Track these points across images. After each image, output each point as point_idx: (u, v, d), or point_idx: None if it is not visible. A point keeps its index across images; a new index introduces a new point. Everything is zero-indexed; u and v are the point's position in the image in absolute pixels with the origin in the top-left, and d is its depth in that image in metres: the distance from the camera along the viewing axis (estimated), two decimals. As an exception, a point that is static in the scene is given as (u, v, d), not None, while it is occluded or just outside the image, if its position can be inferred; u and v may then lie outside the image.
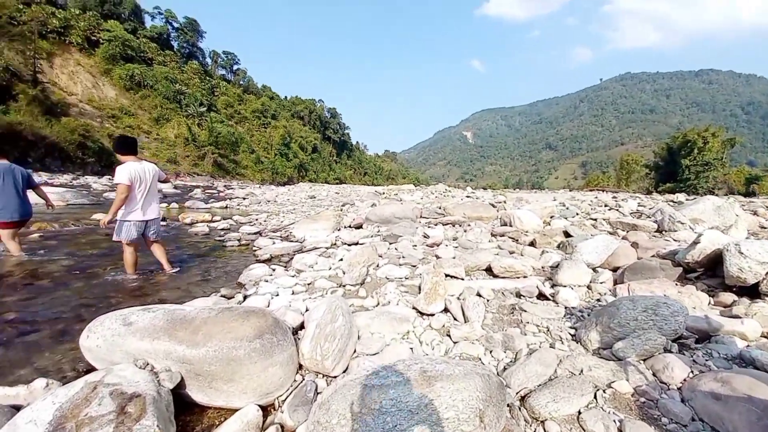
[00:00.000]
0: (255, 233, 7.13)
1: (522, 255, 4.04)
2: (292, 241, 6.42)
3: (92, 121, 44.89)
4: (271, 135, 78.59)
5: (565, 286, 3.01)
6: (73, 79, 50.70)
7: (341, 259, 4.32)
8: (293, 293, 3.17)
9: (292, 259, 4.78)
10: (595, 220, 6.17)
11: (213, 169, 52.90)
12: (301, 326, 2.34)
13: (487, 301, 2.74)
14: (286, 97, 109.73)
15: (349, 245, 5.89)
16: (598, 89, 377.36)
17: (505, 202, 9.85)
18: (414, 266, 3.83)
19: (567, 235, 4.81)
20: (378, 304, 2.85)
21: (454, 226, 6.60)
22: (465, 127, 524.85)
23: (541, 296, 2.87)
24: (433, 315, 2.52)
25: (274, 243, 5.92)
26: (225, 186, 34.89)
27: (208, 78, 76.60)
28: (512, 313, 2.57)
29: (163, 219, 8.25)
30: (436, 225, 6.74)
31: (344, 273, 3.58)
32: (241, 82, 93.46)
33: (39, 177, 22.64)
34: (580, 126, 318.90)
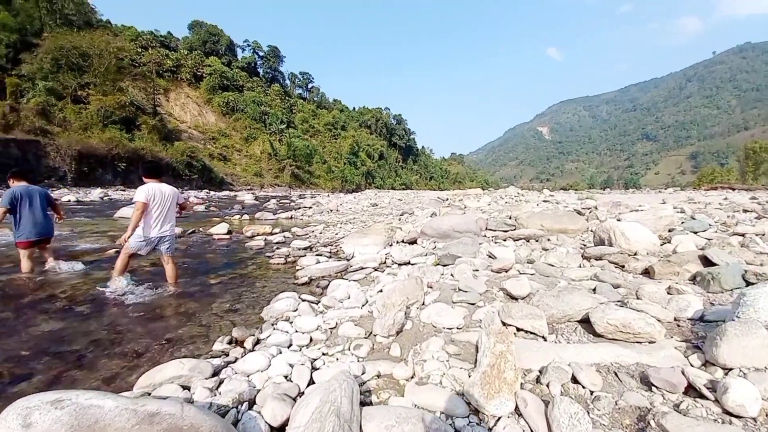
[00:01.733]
0: (305, 248, 6.72)
1: (638, 297, 2.70)
2: (339, 259, 5.80)
3: (197, 143, 51.69)
4: (340, 145, 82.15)
5: (730, 370, 1.72)
6: (184, 109, 59.47)
7: (381, 290, 3.48)
8: (306, 346, 2.43)
9: (330, 284, 4.11)
10: (744, 236, 4.29)
11: (291, 180, 56.95)
12: (286, 424, 1.55)
13: (592, 398, 1.62)
14: (354, 108, 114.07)
15: (400, 265, 5.04)
16: (710, 65, 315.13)
17: (596, 208, 7.98)
18: (472, 304, 2.81)
19: (707, 262, 3.25)
20: (413, 375, 1.93)
21: (528, 241, 5.29)
22: (540, 122, 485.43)
23: (691, 389, 1.64)
24: (496, 418, 1.52)
25: (318, 262, 5.35)
26: (299, 195, 36.95)
27: (287, 98, 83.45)
28: (641, 429, 1.43)
29: (229, 232, 8.43)
30: (505, 240, 5.50)
31: (378, 314, 2.73)
32: (315, 99, 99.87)
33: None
34: (687, 110, 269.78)
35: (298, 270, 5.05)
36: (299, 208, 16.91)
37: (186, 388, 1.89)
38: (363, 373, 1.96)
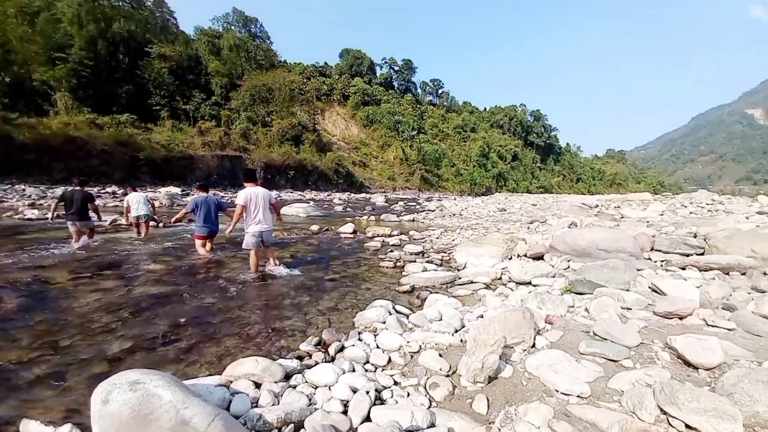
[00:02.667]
0: (416, 253, 6.52)
1: None
2: (449, 269, 5.35)
3: (343, 153, 59.16)
4: (470, 148, 79.62)
5: None
6: (334, 125, 69.29)
7: (482, 316, 2.90)
8: (382, 368, 2.16)
9: (428, 297, 3.74)
10: None
11: (420, 183, 58.62)
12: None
13: None
14: (485, 108, 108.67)
15: (517, 284, 4.23)
16: None
17: None
18: (612, 362, 1.96)
19: None
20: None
21: (727, 275, 3.60)
22: (750, 102, 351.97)
23: None
24: None
25: (424, 270, 5.04)
26: (426, 198, 37.53)
27: (418, 106, 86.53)
28: None
29: (354, 231, 9.08)
30: (683, 269, 3.92)
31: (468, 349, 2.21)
32: (445, 104, 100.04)
33: (306, 193, 31.82)
34: None
35: (403, 276, 4.87)
36: (422, 211, 17.02)
37: (258, 385, 1.90)
38: (429, 427, 1.54)
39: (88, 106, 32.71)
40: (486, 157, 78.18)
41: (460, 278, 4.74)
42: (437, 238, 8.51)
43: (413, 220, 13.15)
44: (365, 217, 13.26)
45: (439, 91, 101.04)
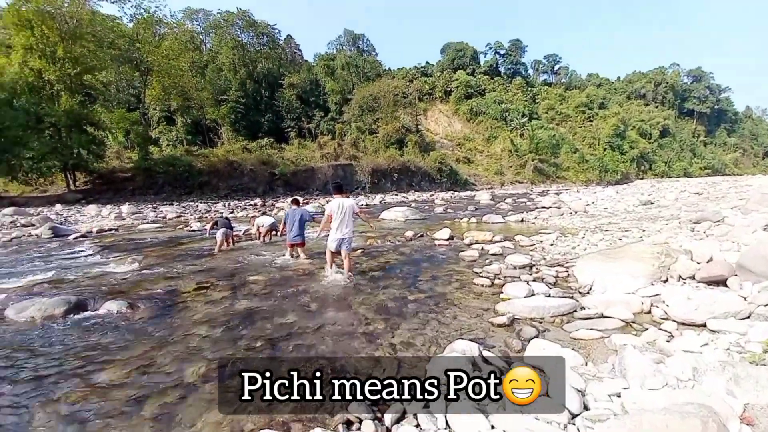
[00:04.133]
0: (522, 267, 5.35)
1: None
2: (565, 292, 4.13)
3: (447, 150, 57.74)
4: (598, 128, 66.85)
5: None
6: (437, 123, 68.34)
7: (617, 395, 1.86)
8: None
9: (531, 342, 2.79)
10: None
11: (533, 175, 52.36)
12: None
13: None
14: (618, 78, 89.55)
15: (678, 324, 2.86)
16: None
17: None
18: None
19: None
20: None
21: None
22: None
23: None
24: None
25: (530, 293, 3.97)
26: (541, 192, 33.08)
27: (530, 88, 77.47)
28: None
29: (450, 237, 8.30)
30: None
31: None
32: (563, 80, 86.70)
33: (409, 195, 31.99)
34: None
35: (501, 299, 3.94)
36: (534, 209, 14.76)
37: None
38: None
39: (241, 135, 40.69)
40: (621, 137, 64.57)
41: (582, 308, 3.54)
42: (551, 244, 6.98)
43: (521, 221, 11.42)
44: (465, 220, 12.19)
45: (556, 68, 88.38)
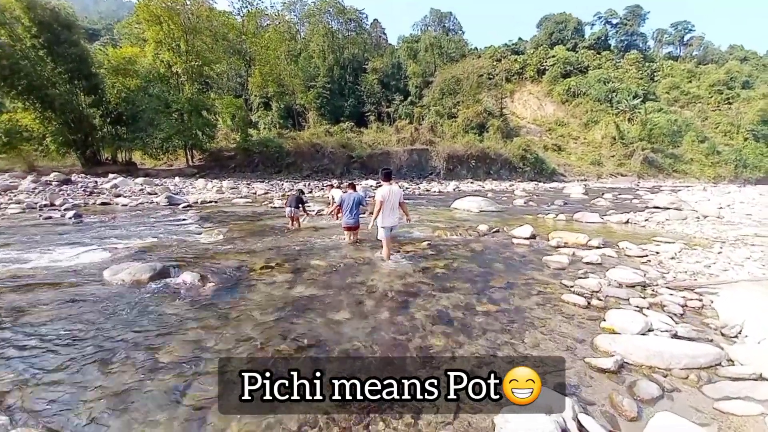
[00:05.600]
0: (631, 285, 4.17)
1: None
2: (700, 332, 2.99)
3: (533, 136, 52.16)
4: (738, 112, 52.52)
5: None
6: (525, 106, 61.85)
7: None
8: None
9: (667, 398, 1.93)
10: None
11: (641, 167, 44.06)
12: None
13: None
14: (776, 49, 68.31)
15: None
16: None
17: None
18: None
19: None
20: None
21: None
22: None
23: None
24: None
25: (647, 328, 2.94)
26: (651, 188, 27.55)
27: (647, 64, 64.30)
28: None
29: (532, 236, 7.16)
30: None
31: None
32: (695, 53, 69.73)
33: (486, 184, 29.69)
34: None
35: (602, 328, 3.01)
36: (644, 209, 12.11)
37: None
38: None
39: (326, 119, 42.75)
40: (773, 124, 49.93)
41: (730, 362, 2.45)
42: (672, 258, 5.41)
43: (627, 223, 9.40)
44: (551, 216, 10.55)
45: (686, 38, 71.70)
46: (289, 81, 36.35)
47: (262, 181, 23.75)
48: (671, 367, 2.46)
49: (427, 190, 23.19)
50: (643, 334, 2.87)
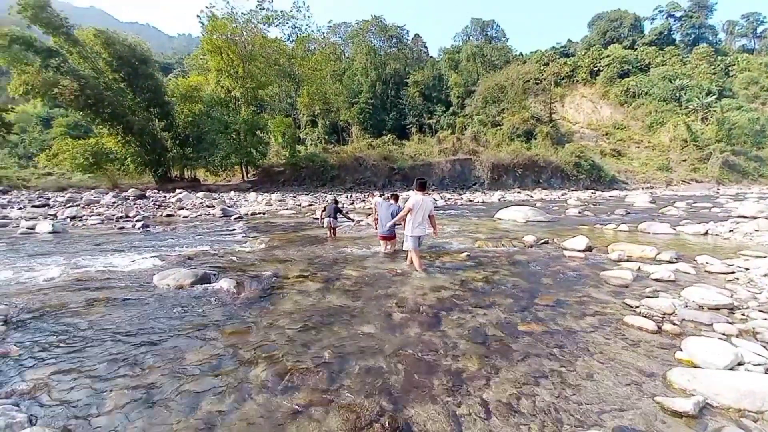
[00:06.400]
0: (715, 308, 3.45)
1: None
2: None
3: (588, 142, 48.35)
4: None
5: None
6: (577, 110, 57.82)
7: None
8: None
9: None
10: None
11: (720, 172, 38.53)
12: None
13: None
14: None
15: None
16: None
17: None
18: None
19: None
20: None
21: None
22: None
23: None
24: None
25: (737, 361, 2.34)
26: (734, 195, 23.83)
27: (720, 58, 56.88)
28: None
29: (588, 248, 6.42)
30: None
31: None
32: (775, 44, 60.39)
33: (535, 193, 27.88)
34: None
35: (677, 362, 2.46)
36: (727, 218, 10.38)
37: None
38: None
39: (368, 133, 43.79)
40: None
41: None
42: (766, 276, 4.44)
43: (705, 234, 8.10)
44: (611, 227, 9.45)
45: (759, 30, 62.81)
46: (333, 99, 37.99)
47: (308, 194, 24.73)
48: (765, 410, 1.89)
49: (470, 201, 22.37)
50: (731, 369, 2.29)
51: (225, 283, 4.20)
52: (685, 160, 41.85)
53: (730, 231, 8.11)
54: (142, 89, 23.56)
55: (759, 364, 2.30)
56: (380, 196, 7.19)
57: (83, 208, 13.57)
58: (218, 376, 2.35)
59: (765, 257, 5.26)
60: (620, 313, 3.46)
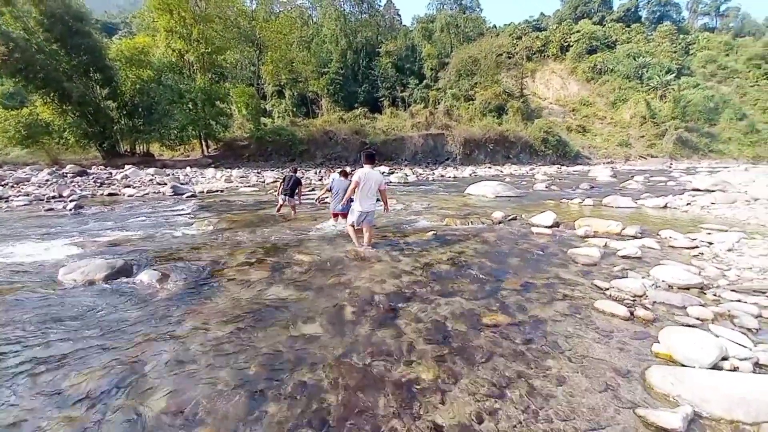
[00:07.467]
0: (686, 287, 3.26)
1: None
2: (805, 364, 2.09)
3: (556, 118, 49.04)
4: (786, 85, 47.48)
5: None
6: (547, 86, 58.20)
7: None
8: None
9: None
10: None
11: (673, 148, 40.78)
12: None
13: None
14: None
15: None
16: None
17: None
18: None
19: None
20: None
21: None
22: None
23: None
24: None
25: (720, 355, 2.07)
26: (685, 169, 25.26)
27: (682, 36, 58.79)
28: None
29: (555, 224, 6.22)
30: None
31: None
32: (731, 25, 63.22)
33: (505, 168, 28.09)
34: None
35: (655, 356, 2.17)
36: (683, 191, 10.72)
37: None
38: None
39: (339, 106, 41.71)
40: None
41: None
42: (731, 251, 4.39)
43: (665, 207, 8.22)
44: (576, 201, 9.42)
45: (722, 8, 65.31)
46: (301, 68, 35.45)
47: (273, 170, 23.35)
48: (761, 421, 1.62)
49: (442, 176, 22.10)
50: (716, 366, 2.02)
51: (146, 277, 3.50)
52: (643, 137, 43.78)
53: (687, 204, 8.28)
54: (78, 51, 20.44)
55: (746, 359, 2.05)
56: (338, 172, 6.59)
57: (11, 187, 11.79)
58: (98, 412, 1.77)
59: (726, 230, 5.26)
60: (590, 297, 3.18)
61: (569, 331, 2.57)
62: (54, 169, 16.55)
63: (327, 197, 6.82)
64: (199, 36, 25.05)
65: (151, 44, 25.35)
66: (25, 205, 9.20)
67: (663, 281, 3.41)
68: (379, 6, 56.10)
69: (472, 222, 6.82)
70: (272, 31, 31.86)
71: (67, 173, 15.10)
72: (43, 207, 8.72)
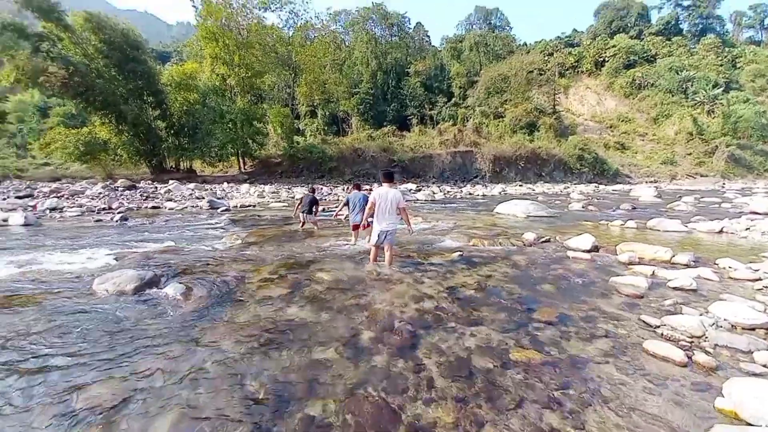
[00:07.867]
0: (752, 326, 2.80)
1: None
2: None
3: (592, 135, 47.06)
4: None
5: None
6: (581, 102, 56.28)
7: None
8: None
9: None
10: None
11: (725, 166, 37.50)
12: None
13: None
14: None
15: None
16: None
17: None
18: None
19: None
20: None
21: None
22: None
23: None
24: None
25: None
26: (740, 190, 22.96)
27: (727, 50, 54.98)
28: None
29: (594, 248, 5.75)
30: None
31: None
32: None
33: (537, 186, 27.02)
34: None
35: (719, 414, 1.82)
36: (740, 215, 9.65)
37: None
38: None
39: (368, 124, 42.73)
40: None
41: None
42: (811, 287, 3.76)
43: (721, 232, 7.38)
44: (617, 223, 8.74)
45: (766, 22, 60.75)
46: (333, 89, 36.91)
47: (304, 186, 24.03)
48: None
49: (470, 194, 21.65)
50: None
51: (171, 290, 3.57)
52: (690, 154, 40.73)
53: (746, 229, 7.40)
54: (134, 76, 22.70)
55: None
56: (353, 186, 6.90)
57: (66, 199, 12.98)
58: (105, 428, 1.73)
59: (797, 262, 4.58)
60: (637, 335, 2.81)
61: (614, 377, 2.25)
62: (108, 183, 18.10)
63: (343, 213, 6.86)
64: (240, 61, 26.96)
65: (198, 70, 27.60)
66: (77, 215, 10.01)
67: (724, 319, 2.95)
68: (409, 29, 57.73)
69: (501, 243, 6.48)
70: (307, 55, 33.64)
71: (118, 187, 16.42)
72: (93, 218, 9.44)
